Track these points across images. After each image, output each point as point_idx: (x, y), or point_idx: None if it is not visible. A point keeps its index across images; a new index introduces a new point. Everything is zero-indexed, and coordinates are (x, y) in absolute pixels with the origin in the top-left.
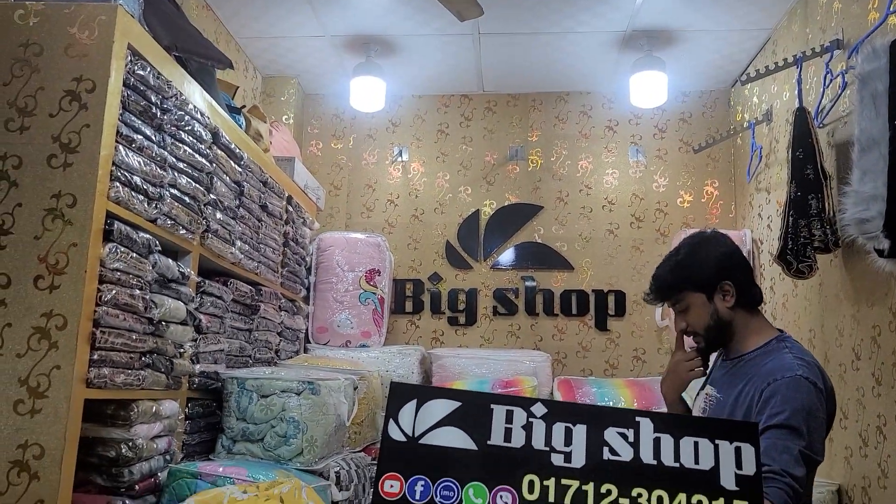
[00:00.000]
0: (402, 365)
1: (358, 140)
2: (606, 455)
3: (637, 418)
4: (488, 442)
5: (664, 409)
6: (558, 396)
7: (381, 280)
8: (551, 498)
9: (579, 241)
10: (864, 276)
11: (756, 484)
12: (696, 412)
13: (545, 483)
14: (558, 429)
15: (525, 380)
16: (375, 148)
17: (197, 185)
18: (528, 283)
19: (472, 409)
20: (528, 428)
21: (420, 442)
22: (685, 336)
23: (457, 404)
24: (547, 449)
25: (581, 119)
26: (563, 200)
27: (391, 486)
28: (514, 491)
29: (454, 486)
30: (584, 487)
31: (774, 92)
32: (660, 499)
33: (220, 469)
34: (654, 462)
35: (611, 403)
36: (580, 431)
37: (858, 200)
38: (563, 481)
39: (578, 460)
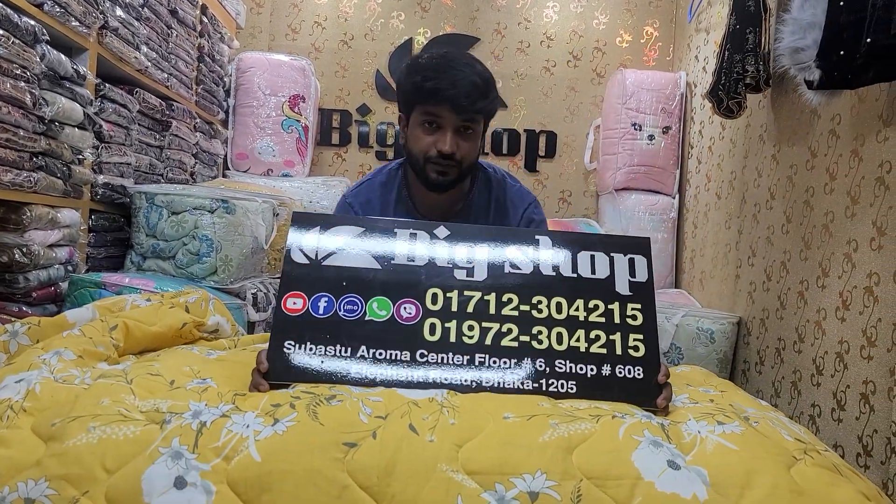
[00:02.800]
0: (326, 196)
1: None
2: (507, 269)
3: (536, 236)
4: (392, 262)
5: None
6: None
7: (306, 107)
8: (454, 307)
9: (515, 78)
10: (790, 116)
11: (648, 289)
12: None
13: (448, 295)
14: (461, 248)
15: None
16: None
17: None
18: None
19: (376, 233)
20: (431, 248)
21: (323, 264)
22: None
23: (360, 229)
24: (450, 266)
25: None
26: (500, 33)
27: (294, 303)
28: (417, 303)
29: (358, 301)
30: (486, 297)
31: None
32: (559, 305)
33: (127, 280)
34: (553, 273)
35: None
36: (482, 250)
37: (796, 28)
38: (466, 293)
39: (480, 274)
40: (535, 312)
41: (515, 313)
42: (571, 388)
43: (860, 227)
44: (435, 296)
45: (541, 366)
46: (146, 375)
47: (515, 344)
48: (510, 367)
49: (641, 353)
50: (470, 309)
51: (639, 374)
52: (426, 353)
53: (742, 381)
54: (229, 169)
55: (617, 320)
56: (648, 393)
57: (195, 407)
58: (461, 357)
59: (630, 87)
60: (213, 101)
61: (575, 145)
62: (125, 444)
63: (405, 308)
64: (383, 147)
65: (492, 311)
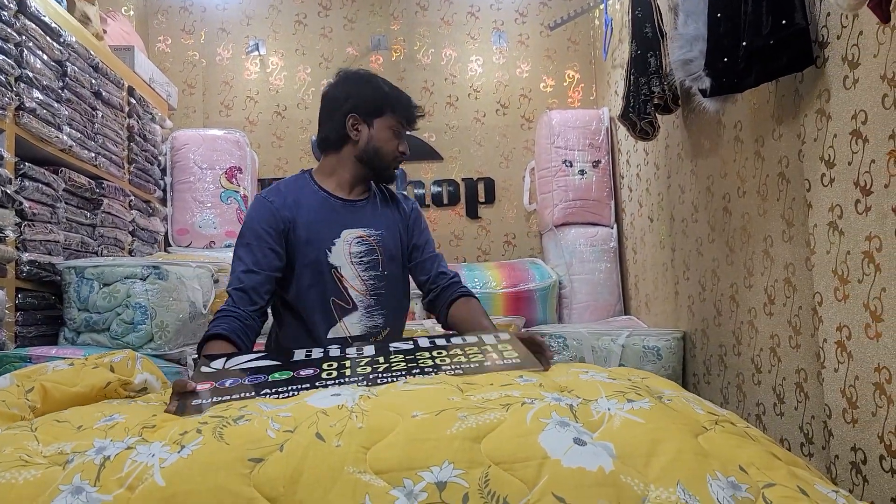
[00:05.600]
0: None
1: (210, 34)
2: (392, 349)
3: (415, 338)
4: (292, 360)
5: (531, 287)
6: None
7: (244, 178)
8: (348, 365)
9: (447, 131)
10: (701, 132)
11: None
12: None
13: (343, 363)
14: (351, 350)
15: None
16: (230, 42)
17: (3, 57)
18: (398, 173)
19: (277, 352)
20: (325, 351)
21: (229, 368)
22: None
23: (262, 354)
24: (342, 355)
25: (442, 5)
26: (428, 90)
27: (202, 387)
28: (315, 368)
29: (262, 376)
30: (376, 358)
31: None
32: (439, 352)
33: (54, 351)
34: (430, 343)
35: (480, 283)
36: (370, 348)
37: (683, 42)
38: (358, 360)
39: (369, 352)
40: (418, 356)
41: (402, 360)
42: (458, 371)
43: (772, 223)
44: (331, 365)
45: (429, 370)
46: (52, 422)
47: (403, 365)
48: (401, 374)
49: (516, 355)
50: (362, 363)
51: (516, 360)
52: (325, 382)
53: (693, 393)
54: (171, 245)
55: (490, 351)
56: (531, 362)
57: (99, 443)
58: (356, 380)
59: (557, 127)
60: (148, 179)
61: (513, 189)
62: (25, 487)
63: (304, 371)
64: None
65: (381, 361)
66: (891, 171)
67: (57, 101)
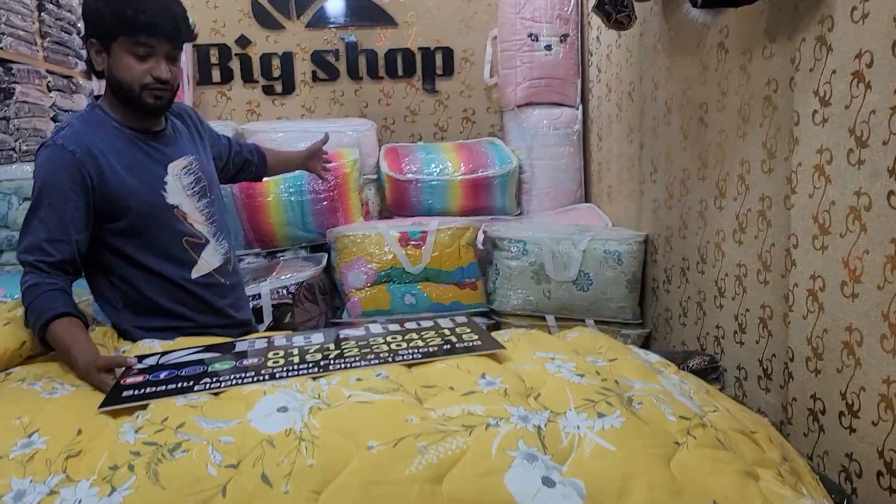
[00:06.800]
0: None
1: None
2: (343, 335)
3: (366, 324)
4: (234, 350)
5: (490, 174)
6: (385, 166)
7: None
8: (295, 353)
9: None
10: (681, 27)
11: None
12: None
13: (290, 352)
14: (298, 338)
15: (345, 152)
16: None
17: None
18: (349, 41)
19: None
20: (269, 341)
21: (163, 363)
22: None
23: (200, 348)
24: (288, 343)
25: None
26: None
27: (133, 381)
28: (260, 358)
29: (200, 367)
30: (326, 345)
31: None
32: (393, 337)
33: None
34: (383, 329)
35: (438, 169)
36: (319, 335)
37: None
38: (306, 348)
39: (318, 339)
40: (372, 342)
41: (354, 346)
42: (417, 356)
43: (751, 149)
44: (276, 354)
45: (384, 355)
46: None
47: (357, 351)
48: (355, 360)
49: (476, 337)
50: (311, 350)
51: (477, 342)
52: (273, 371)
53: (652, 299)
54: None
55: (448, 334)
56: (491, 344)
57: (18, 486)
58: (307, 367)
59: None
60: (67, 51)
61: (473, 60)
62: None
63: (247, 361)
64: (270, 80)
65: (331, 348)
66: (892, 129)
67: None
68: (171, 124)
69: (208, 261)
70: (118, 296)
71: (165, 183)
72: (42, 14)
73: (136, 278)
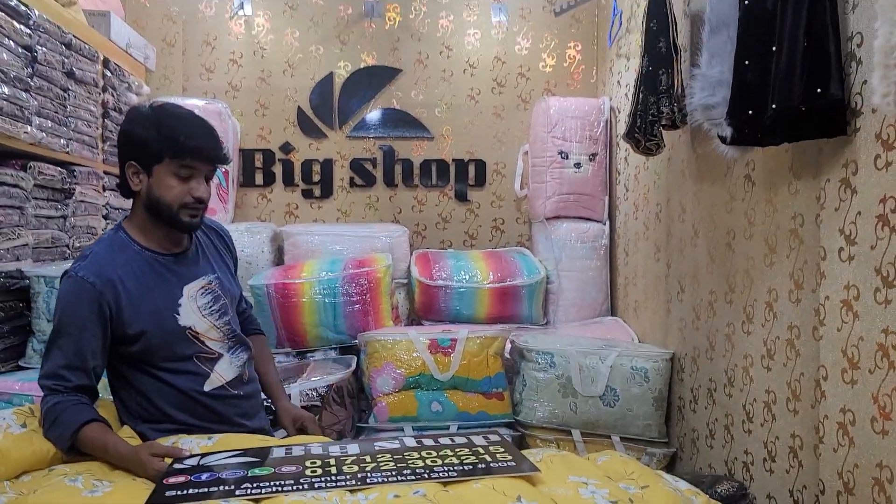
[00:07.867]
0: (251, 244)
1: None
2: (377, 447)
3: (400, 437)
4: (271, 457)
5: (518, 283)
6: (416, 271)
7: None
8: (332, 463)
9: (440, 108)
10: (708, 155)
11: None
12: (201, 303)
13: (327, 461)
14: (334, 448)
15: (379, 258)
16: None
17: None
18: (387, 149)
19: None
20: (306, 448)
21: (203, 464)
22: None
23: (237, 452)
24: (325, 453)
25: None
26: (422, 63)
27: (175, 481)
28: (298, 466)
29: (241, 470)
30: (362, 456)
31: None
32: (428, 453)
33: (17, 386)
34: (417, 443)
35: (467, 276)
36: (354, 446)
37: (706, 85)
38: (343, 458)
39: (354, 450)
40: (406, 456)
41: (390, 459)
42: (453, 474)
43: (778, 278)
44: (314, 463)
45: (420, 471)
46: None
47: (393, 465)
48: (391, 475)
49: (510, 457)
50: (348, 461)
51: (511, 463)
52: (311, 479)
53: (678, 418)
54: None
55: (483, 453)
56: (526, 466)
57: None
58: (344, 479)
59: (554, 116)
60: None
61: (505, 172)
62: None
63: (286, 468)
64: (309, 185)
65: (367, 460)
66: None
67: (25, 91)
68: (197, 242)
69: (222, 374)
70: (133, 404)
71: (179, 305)
72: (105, 120)
73: (149, 389)
